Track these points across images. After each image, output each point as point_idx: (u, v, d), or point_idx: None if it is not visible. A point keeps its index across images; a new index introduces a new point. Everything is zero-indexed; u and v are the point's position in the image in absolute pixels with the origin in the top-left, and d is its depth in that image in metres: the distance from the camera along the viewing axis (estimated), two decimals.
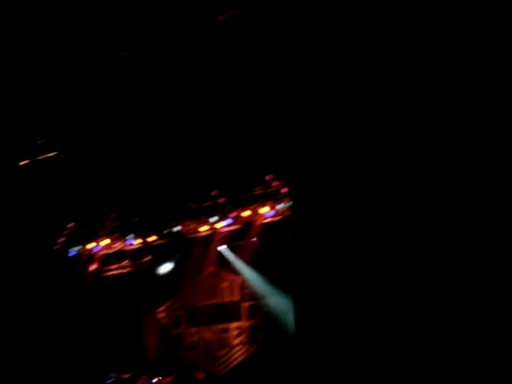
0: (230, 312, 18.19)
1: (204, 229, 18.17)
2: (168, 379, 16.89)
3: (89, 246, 19.55)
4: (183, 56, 13.85)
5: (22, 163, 16.98)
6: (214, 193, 17.85)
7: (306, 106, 14.19)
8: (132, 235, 19.05)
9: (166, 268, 19.08)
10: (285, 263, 16.72)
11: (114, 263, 19.80)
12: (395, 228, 12.61)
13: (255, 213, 17.46)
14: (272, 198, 17.21)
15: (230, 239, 18.10)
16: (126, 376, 16.70)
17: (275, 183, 17.13)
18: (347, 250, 14.99)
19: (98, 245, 19.44)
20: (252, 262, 17.68)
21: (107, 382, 16.41)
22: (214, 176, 17.30)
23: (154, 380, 16.37)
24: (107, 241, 19.26)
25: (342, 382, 12.92)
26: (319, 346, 14.81)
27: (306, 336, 15.38)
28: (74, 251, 19.71)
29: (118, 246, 19.37)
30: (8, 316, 18.46)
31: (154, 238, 18.87)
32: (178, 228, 18.45)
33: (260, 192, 17.41)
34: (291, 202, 16.67)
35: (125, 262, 19.65)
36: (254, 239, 17.58)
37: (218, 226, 17.99)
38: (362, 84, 12.46)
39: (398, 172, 12.98)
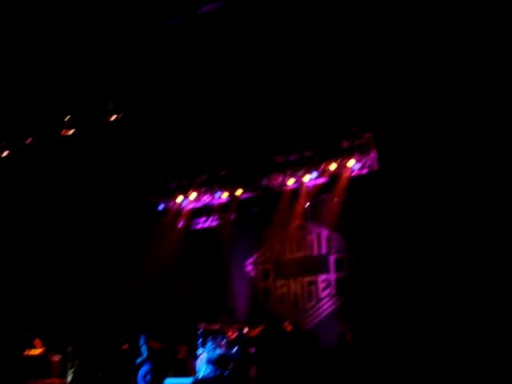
0: (317, 265, 18.21)
1: (291, 182, 18.15)
2: (256, 330, 17.09)
3: (177, 200, 19.80)
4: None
5: (111, 119, 17.32)
6: (300, 146, 17.77)
7: (393, 57, 13.93)
8: (220, 189, 19.18)
9: (253, 221, 19.13)
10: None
11: (201, 217, 20.04)
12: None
13: (342, 166, 17.29)
14: (359, 151, 16.98)
15: (317, 193, 18.01)
16: (215, 327, 16.91)
17: (362, 135, 16.92)
18: (435, 203, 14.81)
19: (186, 198, 19.68)
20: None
21: (198, 332, 16.68)
22: (301, 129, 17.18)
23: (244, 330, 16.52)
24: (195, 194, 19.47)
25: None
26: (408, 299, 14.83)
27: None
28: (162, 205, 20.00)
29: (206, 199, 19.50)
30: (99, 270, 19.16)
31: (240, 191, 18.95)
32: (264, 181, 18.46)
33: (347, 145, 17.23)
34: (379, 155, 16.50)
35: (212, 216, 19.88)
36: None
37: (304, 179, 17.93)
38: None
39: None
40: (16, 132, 17.96)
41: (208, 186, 19.41)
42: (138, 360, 16.21)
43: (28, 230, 19.23)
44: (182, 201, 19.75)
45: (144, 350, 16.25)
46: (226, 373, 15.66)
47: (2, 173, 18.73)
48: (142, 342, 16.32)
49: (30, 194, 19.01)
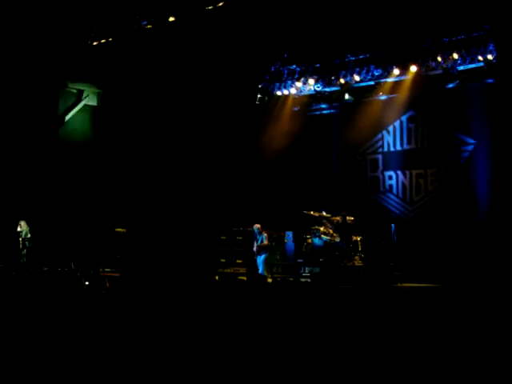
0: (427, 157, 18.02)
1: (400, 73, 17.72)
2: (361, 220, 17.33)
3: (294, 86, 19.69)
4: None
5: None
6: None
7: None
8: (336, 77, 18.95)
9: (364, 110, 18.89)
10: None
11: (316, 103, 20.03)
12: None
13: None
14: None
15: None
16: (317, 214, 17.25)
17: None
18: None
19: (303, 84, 19.51)
20: None
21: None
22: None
23: (350, 218, 16.76)
24: (311, 81, 19.27)
25: None
26: None
27: None
28: (279, 90, 20.02)
29: (318, 87, 19.40)
30: None
31: (356, 78, 18.51)
32: (376, 72, 18.15)
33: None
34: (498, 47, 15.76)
35: (327, 104, 19.88)
36: None
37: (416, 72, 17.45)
38: None
39: None
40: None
41: (321, 73, 19.21)
42: (255, 247, 17.06)
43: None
44: (295, 88, 19.65)
45: (262, 238, 17.01)
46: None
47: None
48: (256, 231, 17.14)
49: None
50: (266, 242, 17.02)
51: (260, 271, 16.86)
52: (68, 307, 8.34)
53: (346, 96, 19.15)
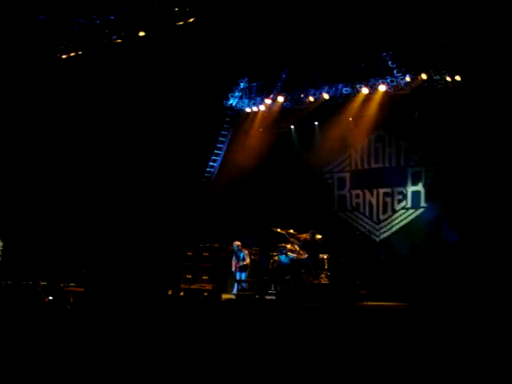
0: (394, 177, 18.15)
1: (368, 90, 17.79)
2: (329, 238, 17.33)
3: (260, 103, 19.78)
4: None
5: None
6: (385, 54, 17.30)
7: None
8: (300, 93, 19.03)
9: (330, 129, 18.99)
10: None
11: (282, 120, 20.09)
12: None
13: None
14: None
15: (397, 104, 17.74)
16: (284, 231, 17.24)
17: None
18: None
19: (269, 101, 19.54)
20: None
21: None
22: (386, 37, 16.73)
23: (317, 237, 16.77)
24: (279, 98, 19.34)
25: None
26: None
27: None
28: (245, 107, 20.03)
29: (287, 103, 19.47)
30: None
31: (325, 96, 18.62)
32: (344, 90, 18.22)
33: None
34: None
35: (292, 121, 19.95)
36: None
37: (380, 88, 17.57)
38: None
39: None
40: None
41: (290, 90, 19.25)
42: (239, 265, 17.04)
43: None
44: (264, 104, 19.68)
45: (243, 255, 16.97)
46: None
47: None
48: (236, 248, 17.13)
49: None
50: (248, 259, 17.14)
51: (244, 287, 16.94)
52: (29, 321, 8.21)
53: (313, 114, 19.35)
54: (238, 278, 17.14)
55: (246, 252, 17.17)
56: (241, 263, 17.03)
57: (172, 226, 19.11)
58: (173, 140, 19.61)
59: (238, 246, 17.17)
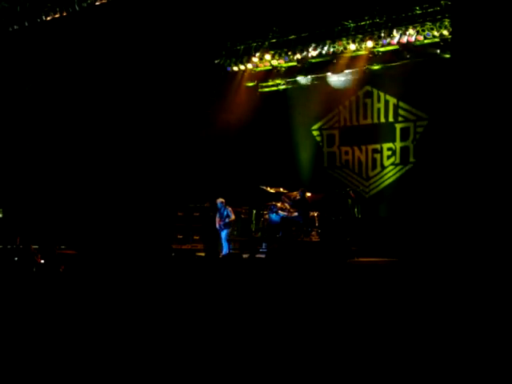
0: (383, 133, 18.15)
1: (357, 48, 17.66)
2: (319, 195, 17.40)
3: (247, 62, 19.66)
4: None
5: None
6: (371, 11, 17.19)
7: None
8: (289, 52, 18.90)
9: (321, 85, 18.94)
10: None
11: (270, 79, 19.97)
12: None
13: (414, 33, 16.73)
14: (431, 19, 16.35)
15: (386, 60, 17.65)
16: (274, 190, 17.24)
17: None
18: None
19: (255, 60, 19.49)
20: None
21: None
22: None
23: (306, 195, 16.77)
24: (265, 57, 19.23)
25: None
26: None
27: None
28: (231, 67, 19.92)
29: (274, 62, 19.29)
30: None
31: (311, 54, 18.49)
32: (332, 47, 18.08)
33: (420, 12, 16.58)
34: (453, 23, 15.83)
35: (281, 80, 19.82)
36: None
37: (368, 44, 17.43)
38: None
39: None
40: None
41: (277, 49, 19.08)
42: (223, 222, 16.55)
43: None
44: (251, 63, 19.53)
45: (227, 212, 16.66)
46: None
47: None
48: (220, 205, 16.69)
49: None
50: (232, 216, 16.53)
51: (225, 247, 16.56)
52: (22, 284, 8.22)
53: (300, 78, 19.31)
54: (221, 235, 16.82)
55: (230, 209, 16.75)
56: (226, 220, 16.73)
57: (161, 186, 19.09)
58: (161, 100, 19.47)
59: (221, 202, 16.50)
